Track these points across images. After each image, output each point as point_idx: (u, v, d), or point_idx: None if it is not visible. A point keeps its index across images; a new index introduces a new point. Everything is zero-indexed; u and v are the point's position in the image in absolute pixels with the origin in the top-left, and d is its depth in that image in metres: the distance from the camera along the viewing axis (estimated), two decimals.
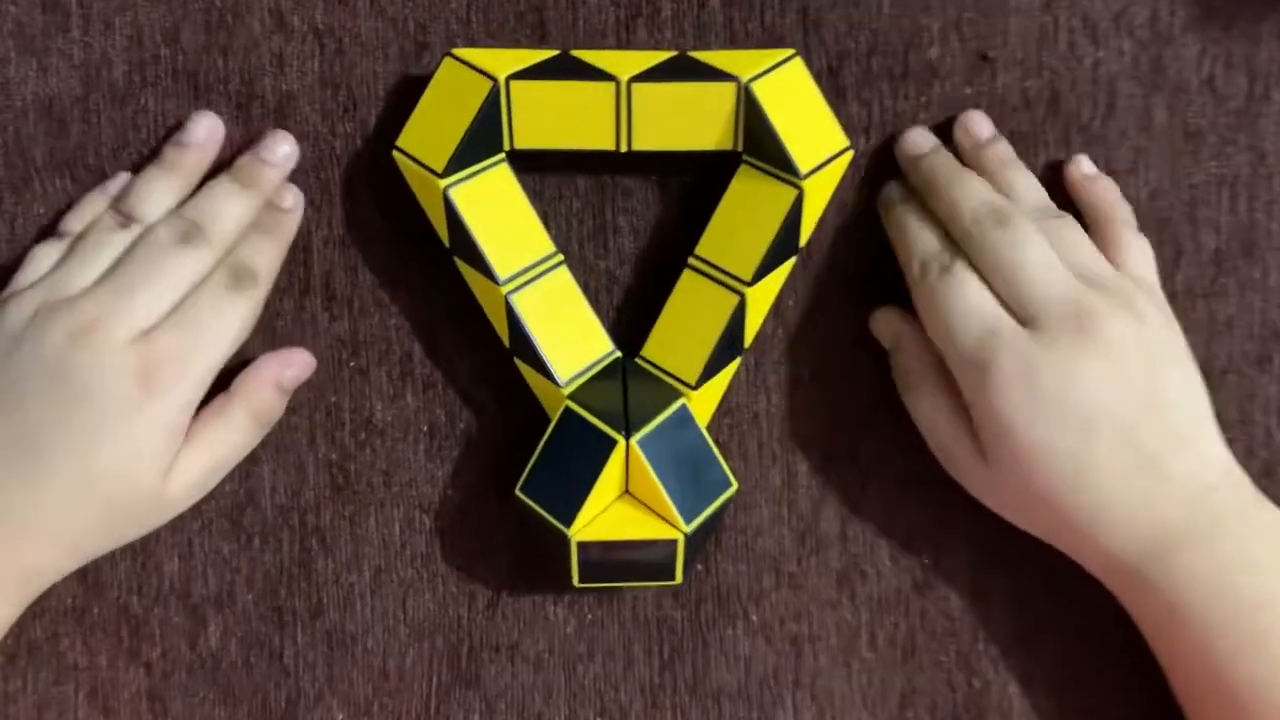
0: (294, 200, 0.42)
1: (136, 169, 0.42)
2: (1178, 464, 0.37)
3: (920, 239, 0.40)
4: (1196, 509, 0.37)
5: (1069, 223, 0.40)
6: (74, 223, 0.41)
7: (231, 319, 0.39)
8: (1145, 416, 0.37)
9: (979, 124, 0.42)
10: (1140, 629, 0.40)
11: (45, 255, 0.41)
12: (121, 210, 0.41)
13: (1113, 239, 0.41)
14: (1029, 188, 0.41)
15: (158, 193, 0.41)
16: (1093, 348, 0.37)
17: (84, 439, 0.37)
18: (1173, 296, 0.42)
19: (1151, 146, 0.42)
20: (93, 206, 0.41)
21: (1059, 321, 0.37)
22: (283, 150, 0.41)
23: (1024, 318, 0.38)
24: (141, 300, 0.38)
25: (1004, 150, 0.42)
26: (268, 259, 0.41)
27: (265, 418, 0.42)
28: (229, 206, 0.40)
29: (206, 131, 0.41)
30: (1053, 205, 0.41)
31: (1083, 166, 0.42)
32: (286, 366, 0.42)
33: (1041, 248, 0.38)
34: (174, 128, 0.42)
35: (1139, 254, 0.41)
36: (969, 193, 0.40)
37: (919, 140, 0.42)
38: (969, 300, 0.38)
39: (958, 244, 0.40)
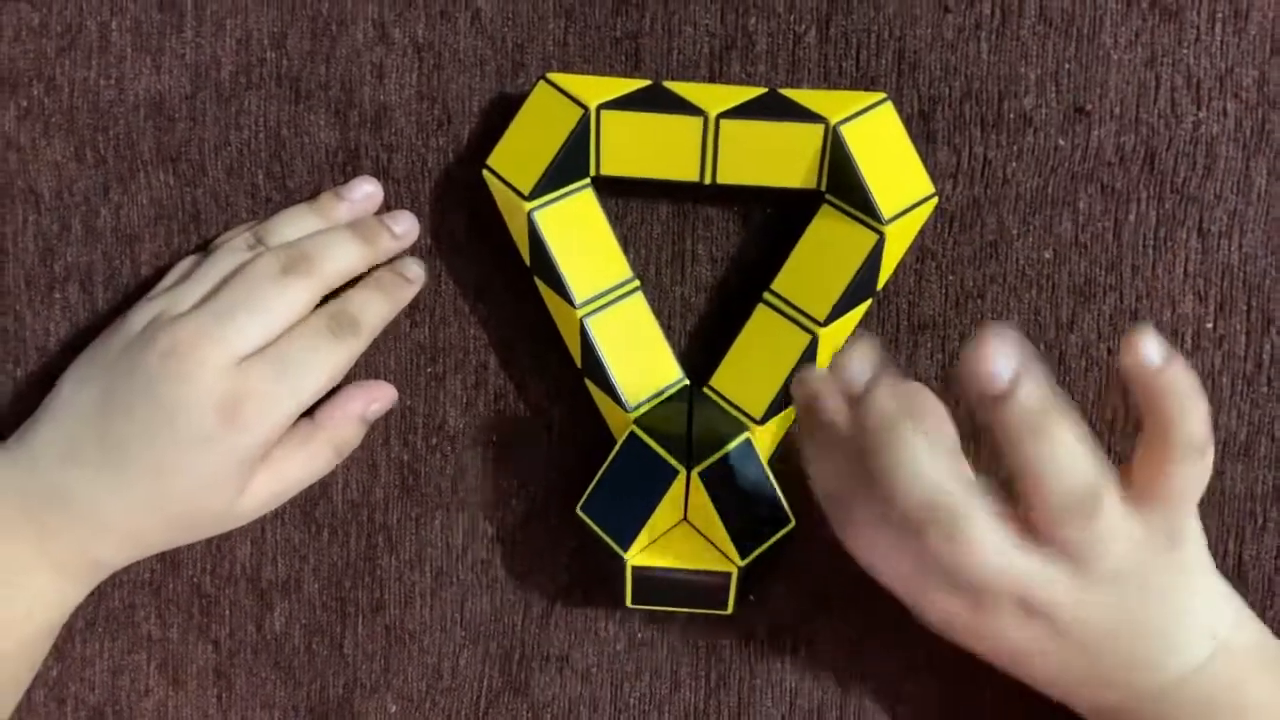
0: (417, 273, 0.42)
1: (235, 168, 0.43)
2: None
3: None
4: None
5: None
6: (221, 239, 0.42)
7: (326, 365, 0.39)
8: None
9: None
10: None
11: (182, 268, 0.42)
12: (256, 234, 0.41)
13: (1160, 465, 0.33)
14: None
15: (297, 229, 0.41)
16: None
17: (163, 460, 0.38)
18: (1259, 366, 0.41)
19: (1249, 211, 0.41)
20: (244, 230, 0.42)
21: None
22: (404, 225, 0.42)
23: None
24: (238, 326, 0.38)
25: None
26: (375, 315, 0.41)
27: (345, 449, 0.43)
28: (339, 249, 0.40)
29: (364, 195, 0.42)
30: None
31: (1145, 350, 0.32)
32: (372, 400, 0.43)
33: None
34: (274, 129, 0.43)
35: (1181, 487, 0.34)
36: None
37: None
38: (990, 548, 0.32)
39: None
